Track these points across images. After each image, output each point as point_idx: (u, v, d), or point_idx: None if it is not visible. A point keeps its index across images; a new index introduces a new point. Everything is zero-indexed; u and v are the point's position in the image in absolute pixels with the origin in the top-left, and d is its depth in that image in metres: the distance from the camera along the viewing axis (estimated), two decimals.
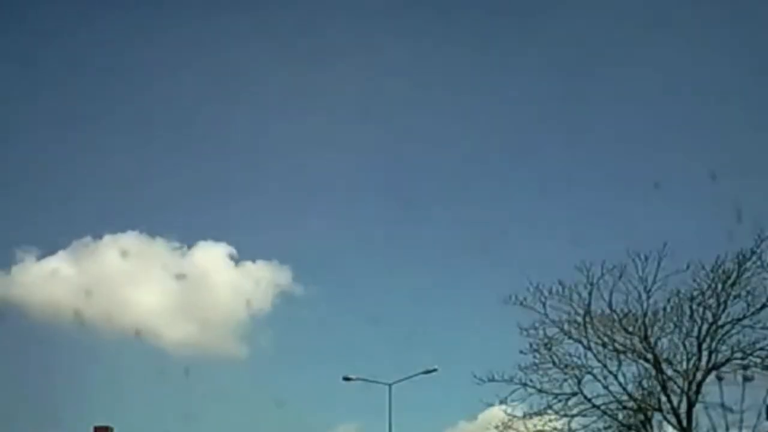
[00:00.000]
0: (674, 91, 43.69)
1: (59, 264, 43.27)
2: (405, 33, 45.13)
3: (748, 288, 21.67)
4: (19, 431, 38.17)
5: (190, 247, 43.44)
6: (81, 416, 33.74)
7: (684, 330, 22.19)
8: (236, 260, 43.64)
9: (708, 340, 21.97)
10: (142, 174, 49.01)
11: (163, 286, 44.54)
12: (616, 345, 22.67)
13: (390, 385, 31.93)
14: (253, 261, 44.66)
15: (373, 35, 46.60)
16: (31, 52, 48.14)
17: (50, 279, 42.76)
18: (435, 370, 32.05)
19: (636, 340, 22.55)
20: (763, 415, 21.35)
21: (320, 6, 48.42)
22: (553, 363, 22.85)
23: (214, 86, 48.33)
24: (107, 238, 43.08)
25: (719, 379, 21.70)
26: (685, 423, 21.76)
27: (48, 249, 43.33)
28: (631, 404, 22.54)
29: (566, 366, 22.82)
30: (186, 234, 43.66)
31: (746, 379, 21.45)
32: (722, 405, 21.59)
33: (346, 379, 32.84)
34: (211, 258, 43.97)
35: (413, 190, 46.19)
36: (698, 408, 21.85)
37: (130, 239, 42.60)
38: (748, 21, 41.35)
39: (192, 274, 44.37)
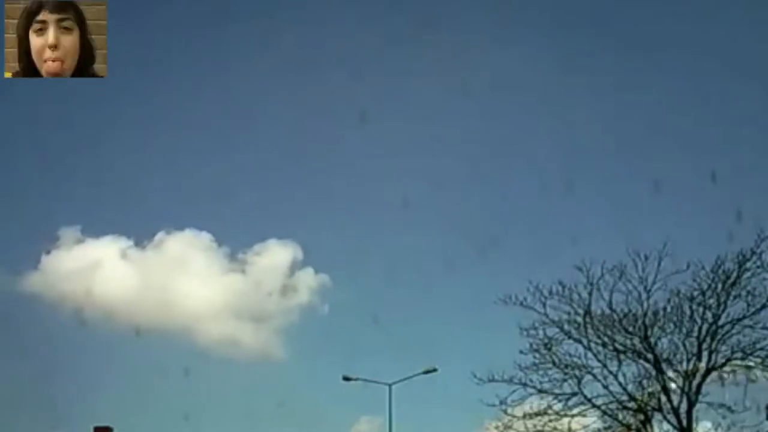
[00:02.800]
0: (675, 91, 43.73)
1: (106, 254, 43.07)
2: (398, 33, 44.96)
3: (748, 288, 21.70)
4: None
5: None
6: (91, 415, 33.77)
7: (684, 330, 22.21)
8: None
9: (708, 340, 21.96)
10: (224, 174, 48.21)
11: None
12: (616, 345, 22.66)
13: (390, 385, 32.01)
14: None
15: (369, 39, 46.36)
16: None
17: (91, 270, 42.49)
18: (435, 370, 32.12)
19: (636, 340, 22.55)
20: (764, 414, 21.40)
21: None
22: (553, 363, 22.83)
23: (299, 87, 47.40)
24: (160, 235, 43.32)
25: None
26: (685, 423, 21.76)
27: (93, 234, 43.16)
28: (631, 404, 22.50)
29: (566, 366, 22.79)
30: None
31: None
32: (722, 404, 21.68)
33: (346, 379, 32.89)
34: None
35: (413, 190, 46.13)
36: (698, 408, 21.91)
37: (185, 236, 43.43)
38: (748, 21, 41.38)
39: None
